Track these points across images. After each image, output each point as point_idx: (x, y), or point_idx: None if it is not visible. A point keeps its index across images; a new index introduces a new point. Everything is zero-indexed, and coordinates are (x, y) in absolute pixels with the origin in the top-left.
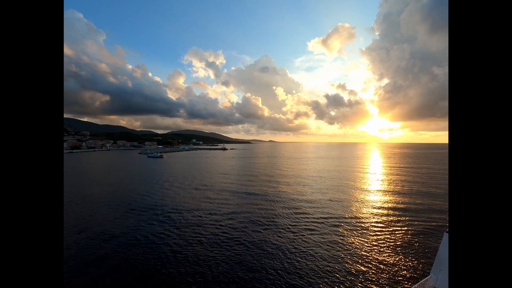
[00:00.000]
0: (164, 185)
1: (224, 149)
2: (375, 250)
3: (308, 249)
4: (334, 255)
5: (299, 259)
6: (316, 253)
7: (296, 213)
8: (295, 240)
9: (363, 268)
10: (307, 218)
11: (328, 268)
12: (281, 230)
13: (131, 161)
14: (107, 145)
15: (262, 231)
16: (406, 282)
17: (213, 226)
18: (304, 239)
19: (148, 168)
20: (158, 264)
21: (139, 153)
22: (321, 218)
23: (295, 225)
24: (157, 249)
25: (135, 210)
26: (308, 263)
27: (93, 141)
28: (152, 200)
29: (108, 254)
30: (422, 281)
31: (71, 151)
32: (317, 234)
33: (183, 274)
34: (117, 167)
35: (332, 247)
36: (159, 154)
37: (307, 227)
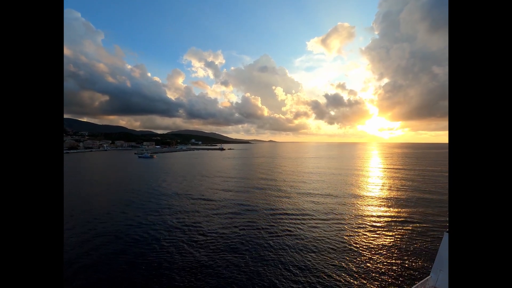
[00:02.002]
0: (134, 189)
1: (222, 149)
2: (375, 250)
3: (307, 250)
4: (334, 256)
5: (298, 259)
6: (315, 254)
7: (296, 214)
8: (294, 242)
9: (363, 269)
10: (306, 219)
11: (328, 269)
12: (280, 234)
13: (119, 162)
14: (105, 145)
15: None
16: (406, 282)
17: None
18: (302, 240)
19: (131, 169)
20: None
21: (135, 153)
22: (319, 219)
23: (294, 227)
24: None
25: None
26: (308, 263)
27: (91, 141)
28: (110, 206)
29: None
30: (422, 280)
31: (67, 151)
32: (316, 236)
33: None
34: (99, 169)
35: (332, 248)
36: (149, 154)
37: (306, 228)
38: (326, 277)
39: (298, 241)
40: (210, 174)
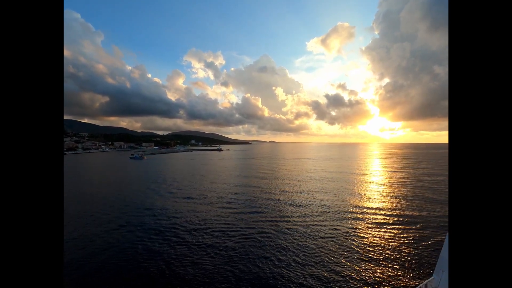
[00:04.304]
0: (97, 192)
1: (220, 150)
2: (377, 252)
3: (308, 251)
4: (334, 257)
5: (299, 260)
6: (316, 255)
7: (292, 216)
8: (293, 243)
9: (365, 270)
10: (303, 220)
11: (329, 271)
12: (277, 234)
13: (109, 163)
14: (103, 146)
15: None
16: (409, 283)
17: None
18: (303, 241)
19: (114, 171)
20: None
21: (131, 154)
22: (319, 221)
23: (290, 227)
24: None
25: None
26: (309, 264)
27: (90, 142)
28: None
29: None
30: (425, 282)
31: (65, 153)
32: (316, 237)
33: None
34: (81, 171)
35: (333, 249)
36: (139, 155)
37: (305, 229)
38: (326, 279)
39: (294, 244)
40: (191, 176)
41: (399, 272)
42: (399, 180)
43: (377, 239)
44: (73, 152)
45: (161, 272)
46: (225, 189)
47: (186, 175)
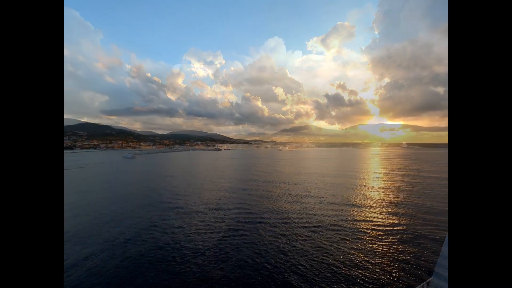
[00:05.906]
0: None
1: (218, 149)
2: (378, 252)
3: (308, 252)
4: (335, 258)
5: (298, 261)
6: (316, 256)
7: (290, 218)
8: (293, 244)
9: (365, 270)
10: (303, 222)
11: (329, 271)
12: (278, 234)
13: (101, 163)
14: (101, 145)
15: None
16: (409, 284)
17: None
18: (302, 243)
19: (99, 171)
20: None
21: (128, 153)
22: (318, 221)
23: (291, 229)
24: None
25: None
26: (309, 265)
27: (88, 141)
28: None
29: None
30: (425, 282)
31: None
32: (315, 238)
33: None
34: (72, 169)
35: (333, 250)
36: (131, 155)
37: (304, 231)
38: (326, 280)
39: (294, 247)
40: (172, 177)
41: (399, 272)
42: (399, 180)
43: (376, 239)
44: (70, 151)
45: (159, 271)
46: (213, 190)
47: (164, 178)
